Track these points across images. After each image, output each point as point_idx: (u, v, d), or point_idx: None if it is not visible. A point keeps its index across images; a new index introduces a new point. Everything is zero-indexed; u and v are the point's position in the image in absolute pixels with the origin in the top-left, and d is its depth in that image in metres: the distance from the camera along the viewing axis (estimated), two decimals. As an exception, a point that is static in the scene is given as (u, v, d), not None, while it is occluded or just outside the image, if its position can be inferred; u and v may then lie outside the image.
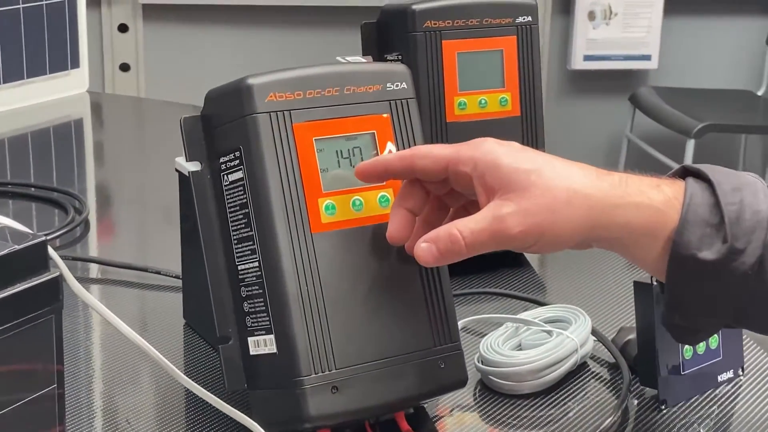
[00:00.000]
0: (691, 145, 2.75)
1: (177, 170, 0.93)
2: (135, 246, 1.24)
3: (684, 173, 0.74)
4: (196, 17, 2.94)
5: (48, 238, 0.57)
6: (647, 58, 3.05)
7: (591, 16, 3.01)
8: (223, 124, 0.79)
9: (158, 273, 1.07)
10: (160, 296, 1.05)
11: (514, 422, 0.85)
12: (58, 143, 1.60)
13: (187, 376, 0.79)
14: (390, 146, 0.81)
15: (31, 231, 0.58)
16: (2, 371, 0.55)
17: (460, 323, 0.87)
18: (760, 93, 3.08)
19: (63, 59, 1.62)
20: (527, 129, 1.08)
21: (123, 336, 0.73)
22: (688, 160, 2.77)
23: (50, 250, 0.57)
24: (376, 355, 0.77)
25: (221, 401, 0.75)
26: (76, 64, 1.65)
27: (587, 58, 3.04)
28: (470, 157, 0.73)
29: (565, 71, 3.09)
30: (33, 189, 1.32)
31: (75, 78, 1.66)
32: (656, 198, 0.71)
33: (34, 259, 0.57)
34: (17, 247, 0.56)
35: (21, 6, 1.54)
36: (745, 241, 0.70)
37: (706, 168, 0.73)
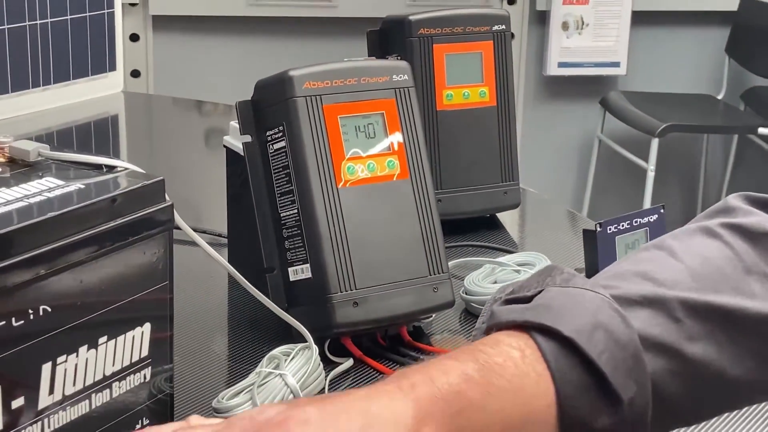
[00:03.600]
0: (655, 143, 3.01)
1: (225, 146, 1.18)
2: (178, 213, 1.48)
3: (518, 326, 0.63)
4: (203, 27, 3.17)
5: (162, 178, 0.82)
6: (616, 65, 3.28)
7: (564, 26, 3.25)
8: (269, 106, 1.04)
9: (204, 232, 1.31)
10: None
11: (491, 339, 1.10)
12: (99, 136, 1.85)
13: (231, 308, 1.04)
14: (398, 136, 1.05)
15: (150, 173, 0.83)
16: (142, 268, 0.80)
17: (450, 264, 1.12)
18: (719, 97, 3.33)
19: (102, 63, 1.87)
20: (501, 116, 1.33)
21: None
22: (653, 158, 3.01)
23: (165, 186, 0.82)
24: (386, 280, 1.02)
25: (278, 308, 0.99)
26: (113, 67, 1.89)
27: (561, 65, 3.27)
28: None
29: (541, 77, 3.32)
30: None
31: (112, 79, 1.90)
32: (515, 379, 0.60)
33: (157, 191, 0.81)
34: (147, 182, 0.81)
35: (68, 17, 1.79)
36: (631, 386, 0.61)
37: (537, 308, 0.63)
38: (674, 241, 0.71)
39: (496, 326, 0.65)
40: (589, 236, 1.12)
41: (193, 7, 3.12)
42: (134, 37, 3.14)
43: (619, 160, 3.27)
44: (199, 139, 1.89)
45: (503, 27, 1.33)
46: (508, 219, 1.39)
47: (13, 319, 0.71)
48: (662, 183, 3.15)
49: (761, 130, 3.05)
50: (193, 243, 1.30)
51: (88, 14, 1.82)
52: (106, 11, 1.85)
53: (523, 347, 0.62)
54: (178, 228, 0.86)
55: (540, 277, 0.68)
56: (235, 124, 1.15)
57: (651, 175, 3.05)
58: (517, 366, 0.61)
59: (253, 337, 1.06)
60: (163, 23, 3.15)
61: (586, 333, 0.61)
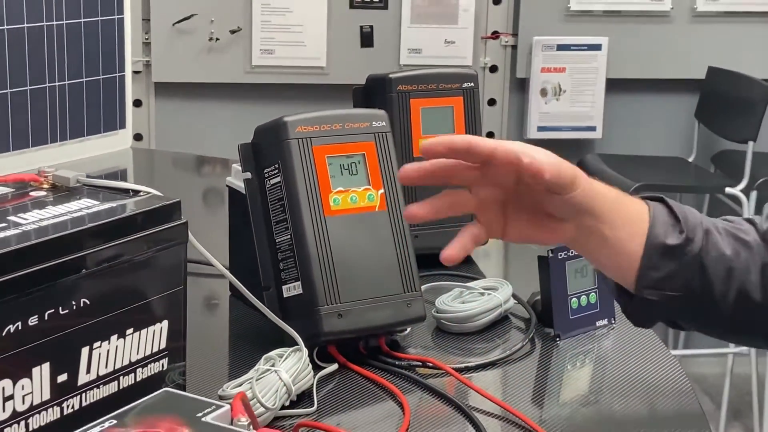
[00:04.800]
0: (628, 202, 3.18)
1: (227, 186, 1.35)
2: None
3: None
4: (203, 93, 3.35)
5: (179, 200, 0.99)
6: (593, 129, 3.46)
7: (543, 93, 3.44)
8: (267, 147, 1.21)
9: (207, 264, 1.47)
10: (209, 280, 1.46)
11: (459, 351, 1.27)
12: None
13: (232, 324, 1.21)
14: (377, 174, 1.22)
15: (168, 196, 1.01)
16: (162, 273, 0.97)
17: (424, 287, 1.28)
18: (690, 159, 3.51)
19: (113, 121, 2.05)
20: (470, 162, 1.51)
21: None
22: (627, 215, 3.18)
23: (181, 207, 0.99)
24: (366, 295, 1.19)
25: (276, 317, 1.16)
26: (123, 125, 2.07)
27: (541, 129, 3.46)
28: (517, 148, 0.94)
29: (522, 140, 3.49)
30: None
31: (121, 136, 2.08)
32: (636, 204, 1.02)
33: (175, 210, 0.99)
34: (166, 203, 0.98)
35: (84, 80, 1.97)
36: (692, 232, 1.00)
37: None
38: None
39: None
40: (543, 262, 1.29)
41: (193, 75, 3.32)
42: (137, 103, 3.31)
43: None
44: (201, 189, 2.07)
45: (472, 84, 1.51)
46: (477, 253, 1.56)
47: (60, 308, 0.88)
48: (637, 240, 3.32)
49: (728, 190, 3.23)
50: (199, 274, 1.47)
51: (101, 77, 2.00)
52: (117, 75, 2.04)
53: (641, 200, 1.03)
54: (197, 262, 1.03)
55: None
56: (236, 166, 1.33)
57: (625, 231, 3.21)
58: (638, 201, 1.02)
59: (250, 346, 1.22)
60: (164, 90, 3.33)
61: (678, 206, 1.02)
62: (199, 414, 0.74)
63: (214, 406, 0.75)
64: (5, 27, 1.83)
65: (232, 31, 3.27)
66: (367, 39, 3.31)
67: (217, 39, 3.27)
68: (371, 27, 3.32)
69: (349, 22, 3.31)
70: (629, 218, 1.00)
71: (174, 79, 3.31)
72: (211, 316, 1.34)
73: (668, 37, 3.44)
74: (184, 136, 3.37)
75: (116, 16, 2.02)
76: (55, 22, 1.91)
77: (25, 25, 1.87)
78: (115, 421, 0.73)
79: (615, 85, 3.45)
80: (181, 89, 3.34)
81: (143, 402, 0.78)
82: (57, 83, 1.93)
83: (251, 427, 0.74)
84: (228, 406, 0.76)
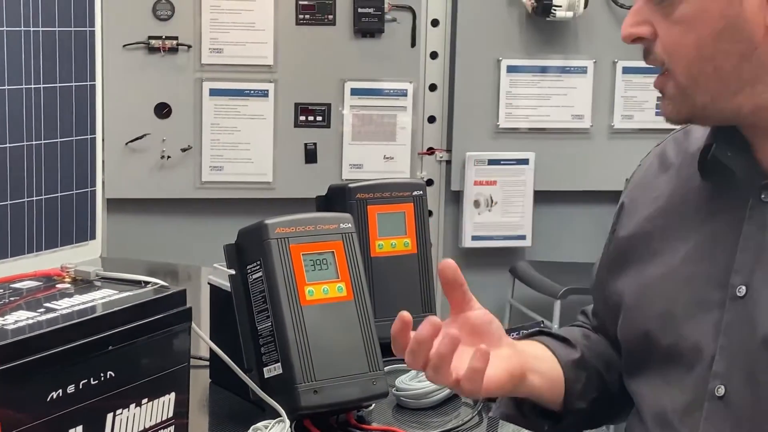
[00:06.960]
0: (557, 305, 3.40)
1: (209, 283, 1.53)
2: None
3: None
4: (154, 209, 3.52)
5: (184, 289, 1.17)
6: (522, 237, 3.69)
7: (476, 204, 3.67)
8: (249, 247, 1.39)
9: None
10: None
11: (417, 424, 1.44)
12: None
13: (213, 405, 1.37)
14: (344, 269, 1.41)
15: (173, 286, 1.18)
16: (168, 350, 1.14)
17: (387, 369, 1.45)
18: (614, 264, 3.75)
19: (85, 233, 2.22)
20: (421, 260, 1.70)
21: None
22: (556, 317, 3.40)
23: (186, 295, 1.17)
24: (338, 374, 1.36)
25: (262, 392, 1.32)
26: (93, 236, 2.24)
27: (474, 238, 3.68)
28: None
29: (458, 249, 3.72)
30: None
31: (92, 246, 2.24)
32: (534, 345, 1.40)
33: (181, 297, 1.16)
34: (175, 290, 1.16)
35: (59, 194, 2.14)
36: (578, 344, 1.41)
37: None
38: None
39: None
40: (489, 344, 1.47)
41: (145, 191, 3.49)
42: (92, 218, 3.45)
43: (528, 321, 3.65)
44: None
45: (420, 192, 1.72)
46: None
47: (91, 379, 1.05)
48: (567, 341, 3.52)
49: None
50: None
51: (74, 192, 2.17)
52: (89, 189, 2.21)
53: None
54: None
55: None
56: (217, 266, 1.50)
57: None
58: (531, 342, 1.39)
59: (233, 424, 1.39)
60: (117, 205, 3.49)
61: (556, 332, 1.42)
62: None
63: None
64: (-10, 147, 2.00)
65: (183, 150, 3.46)
66: (311, 155, 3.53)
67: (169, 157, 3.46)
68: (315, 144, 3.54)
69: (293, 140, 3.52)
70: (542, 358, 1.34)
71: (126, 196, 3.47)
72: (196, 398, 1.49)
73: (589, 152, 3.71)
74: (137, 250, 3.51)
75: (89, 136, 2.21)
76: (34, 142, 2.09)
77: (8, 145, 2.04)
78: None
79: (542, 196, 3.69)
80: (133, 205, 3.50)
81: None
82: (35, 198, 2.09)
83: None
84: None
